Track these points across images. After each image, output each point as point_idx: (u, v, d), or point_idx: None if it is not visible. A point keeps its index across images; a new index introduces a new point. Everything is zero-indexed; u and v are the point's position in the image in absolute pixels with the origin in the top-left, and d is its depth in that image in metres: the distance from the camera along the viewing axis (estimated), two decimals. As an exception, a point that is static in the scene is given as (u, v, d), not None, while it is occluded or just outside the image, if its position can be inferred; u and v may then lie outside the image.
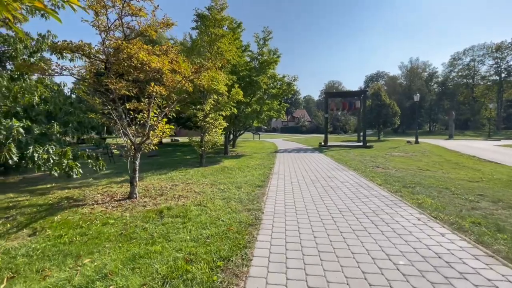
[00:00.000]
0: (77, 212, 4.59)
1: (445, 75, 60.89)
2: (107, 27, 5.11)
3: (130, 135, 5.36)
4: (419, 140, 22.05)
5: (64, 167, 5.73)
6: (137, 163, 5.54)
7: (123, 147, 5.78)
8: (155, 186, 6.77)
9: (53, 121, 7.28)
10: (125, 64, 4.89)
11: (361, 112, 23.76)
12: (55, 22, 8.44)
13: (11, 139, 5.72)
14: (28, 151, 5.58)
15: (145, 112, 5.43)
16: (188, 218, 4.19)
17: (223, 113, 10.55)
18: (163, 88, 5.29)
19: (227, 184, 6.85)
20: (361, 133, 24.04)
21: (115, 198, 5.60)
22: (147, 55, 4.78)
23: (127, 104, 5.13)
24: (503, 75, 56.62)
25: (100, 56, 5.39)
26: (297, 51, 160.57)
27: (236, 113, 11.75)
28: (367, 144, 18.95)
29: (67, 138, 7.45)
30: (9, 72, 6.98)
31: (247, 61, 15.30)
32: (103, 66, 5.26)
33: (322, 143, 21.04)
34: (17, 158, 5.71)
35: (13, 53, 7.69)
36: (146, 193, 6.03)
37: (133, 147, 5.44)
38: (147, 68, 4.91)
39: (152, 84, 5.27)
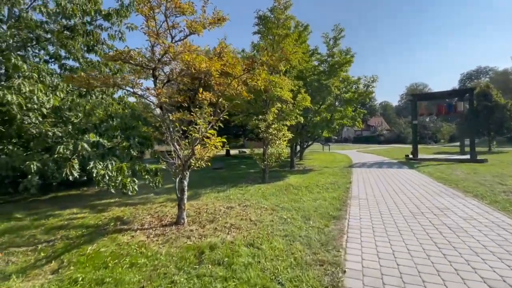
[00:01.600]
0: (115, 241, 3.98)
1: None
2: (156, 32, 4.58)
3: (178, 149, 4.60)
4: None
5: (117, 184, 5.44)
6: (185, 182, 4.74)
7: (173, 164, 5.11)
8: (209, 208, 5.91)
9: (120, 136, 7.44)
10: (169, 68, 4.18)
11: (464, 116, 18.72)
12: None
13: (76, 154, 5.83)
14: (88, 167, 5.51)
15: (196, 123, 4.61)
16: (233, 270, 2.97)
17: (288, 123, 9.26)
18: (212, 94, 4.39)
19: (291, 210, 5.43)
20: (465, 143, 18.88)
21: (163, 222, 4.92)
22: (190, 54, 3.97)
23: (170, 115, 4.41)
24: None
25: (150, 64, 4.90)
26: (367, 52, 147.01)
27: (302, 122, 10.30)
28: (478, 158, 14.41)
29: (134, 153, 7.46)
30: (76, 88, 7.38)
31: (315, 65, 13.76)
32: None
33: (410, 156, 17.23)
34: (78, 174, 5.75)
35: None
36: (197, 217, 5.17)
37: (181, 163, 4.67)
38: (192, 70, 4.09)
39: (201, 90, 4.43)
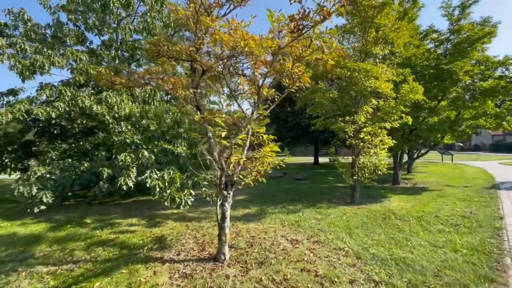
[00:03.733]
0: (131, 277, 3.16)
1: None
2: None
3: (217, 159, 3.46)
4: None
5: (166, 196, 4.83)
6: (226, 205, 3.53)
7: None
8: (267, 238, 4.50)
9: (183, 143, 7.09)
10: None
11: None
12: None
13: (137, 162, 5.66)
14: (143, 176, 5.18)
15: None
16: None
17: (388, 125, 6.77)
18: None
19: (389, 264, 3.33)
20: None
21: (203, 253, 3.86)
22: (233, 35, 2.71)
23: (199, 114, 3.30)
24: None
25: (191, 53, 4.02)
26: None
27: (410, 124, 7.44)
28: None
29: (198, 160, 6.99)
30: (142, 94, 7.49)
31: (428, 49, 10.21)
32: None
33: None
34: (133, 183, 5.52)
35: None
36: (245, 252, 3.85)
37: (222, 179, 3.50)
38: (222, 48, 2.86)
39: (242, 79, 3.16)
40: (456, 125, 9.64)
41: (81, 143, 7.46)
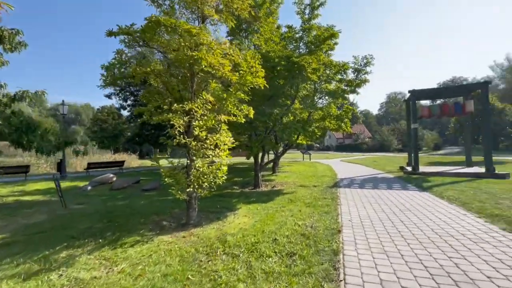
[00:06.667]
0: None
1: None
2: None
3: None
4: None
5: None
6: None
7: None
8: None
9: None
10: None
11: (471, 118, 15.64)
12: None
13: None
14: None
15: None
16: None
17: (224, 118, 5.05)
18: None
19: None
20: (468, 151, 15.69)
21: None
22: None
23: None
24: None
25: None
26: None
27: (252, 117, 6.05)
28: (497, 172, 10.98)
29: None
30: None
31: (285, 45, 9.82)
32: None
33: (408, 168, 13.66)
34: None
35: None
36: None
37: None
38: None
39: None
40: (307, 125, 9.57)
41: None
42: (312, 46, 9.20)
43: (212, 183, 5.23)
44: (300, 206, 6.46)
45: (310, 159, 26.85)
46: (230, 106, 4.94)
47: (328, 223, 4.93)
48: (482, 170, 11.85)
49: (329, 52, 9.78)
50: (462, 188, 8.14)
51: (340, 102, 10.48)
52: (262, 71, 5.05)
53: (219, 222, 5.41)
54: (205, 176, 5.23)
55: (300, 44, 9.68)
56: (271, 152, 13.97)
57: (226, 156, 5.34)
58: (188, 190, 5.18)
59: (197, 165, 5.16)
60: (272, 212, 5.99)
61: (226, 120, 5.09)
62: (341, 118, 9.81)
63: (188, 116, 5.08)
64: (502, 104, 21.62)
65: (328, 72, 9.79)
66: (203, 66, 4.63)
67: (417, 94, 13.05)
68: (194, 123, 5.00)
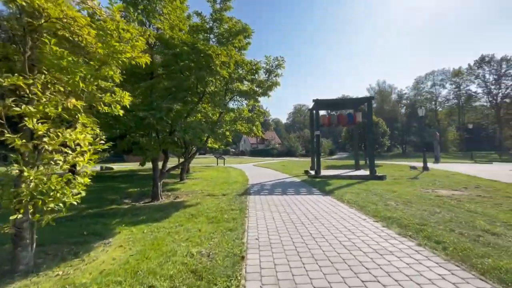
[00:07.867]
0: None
1: (412, 98, 60.91)
2: None
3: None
4: (424, 165, 16.62)
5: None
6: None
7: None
8: None
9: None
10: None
11: (360, 127, 18.24)
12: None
13: None
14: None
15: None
16: None
17: (77, 103, 3.35)
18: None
19: None
20: (356, 156, 18.41)
21: None
22: None
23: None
24: (462, 99, 58.54)
25: None
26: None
27: (128, 105, 4.35)
28: (378, 174, 12.92)
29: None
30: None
31: (194, 35, 8.53)
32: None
33: (311, 172, 14.63)
34: None
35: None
36: None
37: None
38: None
39: None
40: (217, 126, 8.54)
41: None
42: (223, 40, 8.31)
43: (60, 204, 3.42)
44: (201, 223, 5.26)
45: (224, 163, 26.10)
46: (91, 87, 3.28)
47: (230, 246, 3.92)
48: (367, 172, 13.75)
49: (242, 51, 9.13)
50: (356, 191, 8.81)
51: (251, 103, 9.98)
52: (142, 39, 3.60)
53: (73, 261, 3.59)
54: (52, 193, 3.38)
55: (211, 36, 8.60)
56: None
57: (88, 162, 3.61)
58: (15, 217, 3.19)
59: (30, 177, 3.23)
60: (162, 236, 4.54)
61: (95, 111, 3.39)
62: (252, 121, 9.25)
63: (14, 98, 3.12)
64: (376, 118, 26.85)
65: (240, 71, 9.11)
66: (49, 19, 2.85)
67: (319, 103, 14.15)
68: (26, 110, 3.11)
